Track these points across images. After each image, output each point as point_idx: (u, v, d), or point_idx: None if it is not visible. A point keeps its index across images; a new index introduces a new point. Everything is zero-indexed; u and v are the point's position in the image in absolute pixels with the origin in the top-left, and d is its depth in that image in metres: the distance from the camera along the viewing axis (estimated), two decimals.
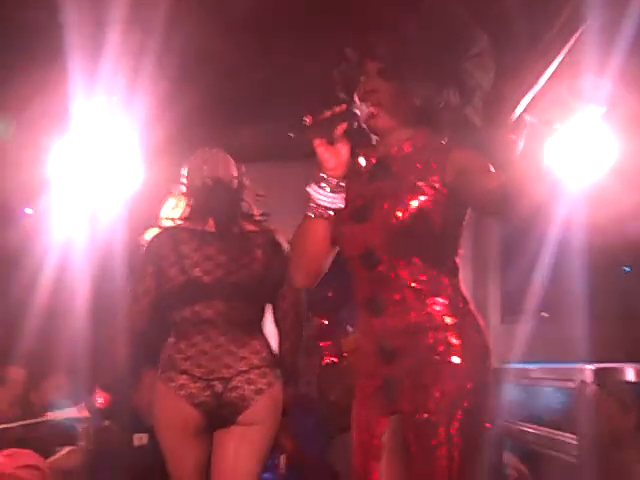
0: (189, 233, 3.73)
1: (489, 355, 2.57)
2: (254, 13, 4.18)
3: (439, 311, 2.52)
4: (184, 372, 3.63)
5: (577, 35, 4.03)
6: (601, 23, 3.83)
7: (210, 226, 3.77)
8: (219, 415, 3.64)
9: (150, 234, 3.79)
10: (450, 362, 2.48)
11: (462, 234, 2.63)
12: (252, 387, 3.61)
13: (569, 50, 4.15)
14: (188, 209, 3.79)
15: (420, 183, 2.53)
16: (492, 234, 6.46)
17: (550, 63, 4.42)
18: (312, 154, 2.53)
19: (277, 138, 2.47)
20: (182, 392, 3.61)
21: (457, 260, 2.63)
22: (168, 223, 3.80)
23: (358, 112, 2.48)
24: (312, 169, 2.57)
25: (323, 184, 2.54)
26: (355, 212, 2.63)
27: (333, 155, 2.51)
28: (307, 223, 2.61)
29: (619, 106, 4.80)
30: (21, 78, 4.62)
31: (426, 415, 2.46)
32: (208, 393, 3.61)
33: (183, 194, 3.83)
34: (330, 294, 7.75)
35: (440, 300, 2.53)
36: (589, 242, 5.57)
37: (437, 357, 2.49)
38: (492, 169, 2.47)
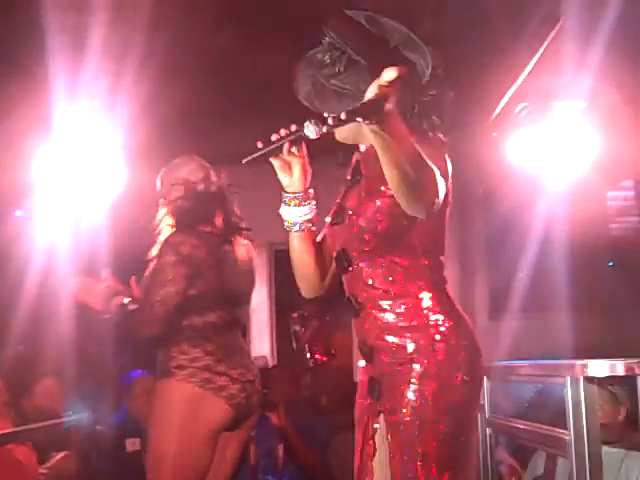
0: (214, 237, 3.76)
1: (477, 353, 2.56)
2: (235, 13, 4.18)
3: (413, 310, 2.52)
4: (222, 374, 3.65)
5: (555, 31, 4.04)
6: (578, 19, 3.85)
7: (219, 231, 3.82)
8: (242, 417, 3.71)
9: (170, 237, 3.72)
10: (432, 361, 2.48)
11: (442, 232, 2.62)
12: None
13: (548, 46, 4.16)
14: (196, 215, 3.80)
15: (382, 184, 2.52)
16: (477, 232, 6.48)
17: (530, 60, 4.43)
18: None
19: (260, 140, 2.47)
20: (223, 393, 3.62)
21: (441, 258, 2.63)
22: (183, 227, 3.78)
23: (307, 132, 2.48)
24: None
25: (285, 200, 2.62)
26: (334, 213, 2.70)
27: (287, 174, 2.57)
28: (289, 240, 2.69)
29: (599, 101, 4.82)
30: (3, 82, 4.61)
31: (400, 415, 2.46)
32: (243, 395, 3.68)
33: (183, 200, 3.81)
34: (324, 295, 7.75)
35: (418, 299, 2.53)
36: (573, 237, 5.60)
37: (418, 356, 2.49)
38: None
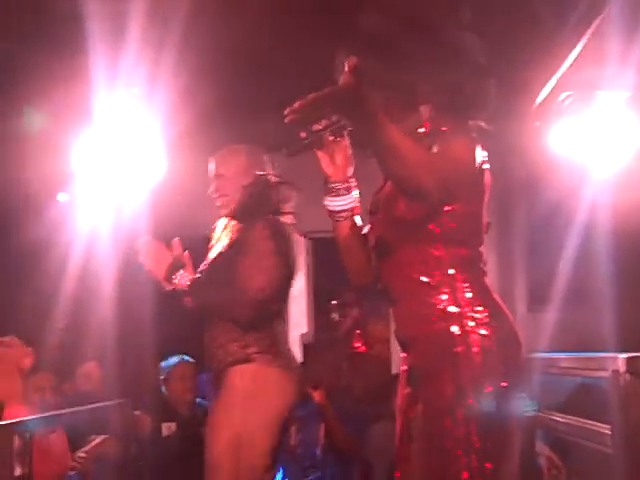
0: (287, 225, 3.77)
1: (517, 345, 2.53)
2: (274, 6, 4.17)
3: (451, 301, 2.50)
4: (291, 359, 3.79)
5: (599, 20, 3.98)
6: (623, 8, 3.79)
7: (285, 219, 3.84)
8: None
9: (261, 224, 3.67)
10: (470, 352, 2.46)
11: (477, 221, 2.59)
12: None
13: (592, 35, 4.11)
14: (268, 202, 3.78)
15: None
16: (518, 221, 6.43)
17: (573, 49, 4.38)
18: None
19: (300, 127, 2.48)
20: (295, 377, 3.70)
21: (480, 248, 2.60)
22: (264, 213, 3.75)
23: (345, 121, 2.50)
24: None
25: (328, 189, 2.65)
26: (372, 204, 2.70)
27: (330, 163, 2.61)
28: (334, 229, 2.72)
29: None
30: (44, 70, 4.64)
31: (438, 405, 2.45)
32: (302, 379, 3.84)
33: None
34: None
35: (453, 290, 2.51)
36: (616, 228, 5.52)
37: (452, 347, 2.47)
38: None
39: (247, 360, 3.61)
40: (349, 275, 2.81)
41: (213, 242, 3.87)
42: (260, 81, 5.07)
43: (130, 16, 4.11)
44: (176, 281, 3.59)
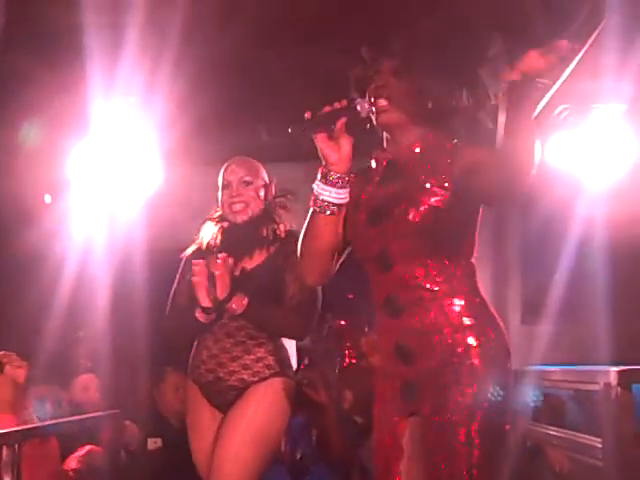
0: None
1: (508, 356, 2.55)
2: (270, 14, 4.18)
3: (456, 311, 2.51)
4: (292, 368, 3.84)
5: (596, 34, 3.99)
6: (620, 21, 3.79)
7: None
8: None
9: None
10: (469, 363, 2.47)
11: (476, 234, 2.61)
12: None
13: (589, 48, 4.11)
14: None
15: (430, 184, 2.52)
16: (512, 233, 6.43)
17: (570, 61, 4.38)
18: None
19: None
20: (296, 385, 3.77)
21: (473, 260, 2.61)
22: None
23: (359, 108, 2.48)
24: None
25: (327, 179, 2.54)
26: (370, 214, 2.64)
27: (334, 150, 2.51)
28: (313, 219, 2.62)
29: (639, 104, 4.77)
30: (41, 80, 4.64)
31: (446, 416, 2.44)
32: None
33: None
34: (351, 295, 7.74)
35: (457, 300, 2.52)
36: (611, 241, 5.53)
37: (456, 358, 2.47)
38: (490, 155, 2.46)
39: (271, 376, 3.62)
40: (309, 271, 2.72)
41: (219, 247, 3.74)
42: (256, 91, 5.08)
43: (127, 26, 4.11)
44: (234, 306, 3.54)
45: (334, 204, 2.57)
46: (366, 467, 5.26)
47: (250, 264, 3.67)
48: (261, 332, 3.63)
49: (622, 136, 5.27)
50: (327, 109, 2.46)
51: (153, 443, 5.26)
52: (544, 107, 4.99)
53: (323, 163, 2.55)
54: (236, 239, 3.72)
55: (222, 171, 3.77)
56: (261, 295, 3.59)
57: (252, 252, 3.69)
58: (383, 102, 2.57)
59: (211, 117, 5.13)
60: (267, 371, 3.61)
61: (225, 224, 3.78)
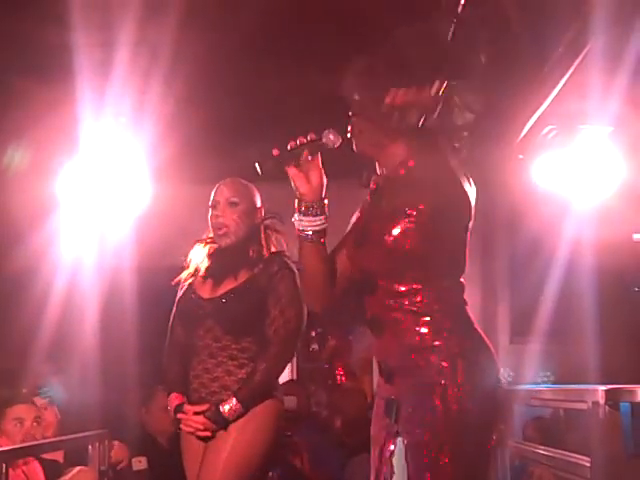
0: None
1: (493, 376, 2.56)
2: (259, 35, 4.20)
3: (435, 332, 2.52)
4: None
5: (583, 55, 4.03)
6: (606, 43, 3.83)
7: None
8: None
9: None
10: (446, 383, 2.48)
11: (463, 253, 2.63)
12: None
13: (575, 70, 4.15)
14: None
15: (407, 206, 2.54)
16: (501, 253, 6.45)
17: (557, 83, 4.42)
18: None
19: (276, 148, 2.50)
20: None
21: (462, 280, 2.63)
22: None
23: (325, 140, 2.52)
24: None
25: (300, 209, 2.59)
26: (355, 236, 2.70)
27: (304, 181, 2.56)
28: (300, 247, 2.65)
29: (625, 126, 4.80)
30: (30, 98, 4.65)
31: (420, 436, 2.45)
32: None
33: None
34: (343, 315, 7.77)
35: (436, 321, 2.53)
36: (598, 262, 5.56)
37: (435, 378, 2.48)
38: None
39: (268, 395, 3.62)
40: (308, 299, 2.79)
41: (202, 272, 3.75)
42: (246, 110, 5.10)
43: (117, 45, 4.13)
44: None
45: (312, 231, 2.59)
46: None
47: (233, 283, 3.67)
48: (243, 353, 3.63)
49: (609, 157, 5.30)
50: (292, 145, 2.50)
51: (138, 462, 5.22)
52: (531, 127, 5.03)
53: (296, 193, 2.60)
54: (222, 261, 3.73)
55: (213, 191, 3.77)
56: (241, 318, 3.61)
57: (237, 272, 3.69)
58: (354, 131, 2.61)
59: (200, 136, 5.15)
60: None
61: (213, 247, 3.78)
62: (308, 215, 2.58)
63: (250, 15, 3.92)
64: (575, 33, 4.02)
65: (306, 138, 2.51)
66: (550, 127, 5.26)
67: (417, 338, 2.52)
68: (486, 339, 2.58)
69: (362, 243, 2.65)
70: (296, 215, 2.60)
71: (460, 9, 3.62)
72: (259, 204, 3.78)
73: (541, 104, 4.78)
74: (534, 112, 4.91)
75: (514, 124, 5.18)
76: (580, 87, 4.33)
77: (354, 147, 2.66)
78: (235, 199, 3.71)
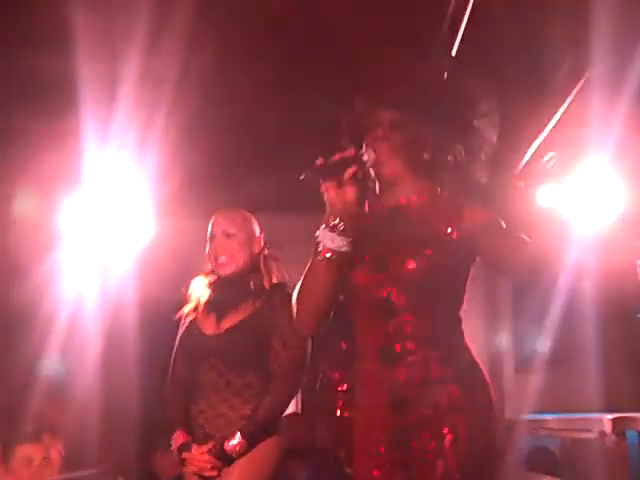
0: None
1: (492, 407, 2.57)
2: (262, 68, 4.23)
3: (445, 363, 2.53)
4: None
5: (582, 83, 4.05)
6: (606, 70, 3.85)
7: None
8: None
9: None
10: (452, 415, 2.48)
11: (466, 286, 2.64)
12: None
13: (575, 98, 4.17)
14: None
15: (431, 235, 2.55)
16: (504, 284, 6.45)
17: (556, 111, 4.45)
18: (321, 205, 2.55)
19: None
20: None
21: (461, 313, 2.64)
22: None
23: (365, 158, 2.51)
24: (321, 220, 2.58)
25: (330, 226, 2.51)
26: (373, 262, 2.64)
27: (341, 198, 2.50)
28: (314, 264, 2.57)
29: (626, 153, 4.82)
30: (33, 130, 4.67)
31: (432, 465, 2.45)
32: None
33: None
34: (344, 345, 7.73)
35: (447, 352, 2.54)
36: (601, 290, 5.56)
37: (442, 408, 2.48)
38: (517, 233, 2.50)
39: (273, 431, 3.57)
40: (305, 319, 2.65)
41: (204, 306, 3.71)
42: (249, 143, 5.12)
43: (121, 79, 4.15)
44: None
45: (337, 251, 2.52)
46: None
47: (236, 318, 3.64)
48: (247, 389, 3.59)
49: (609, 184, 5.31)
50: (337, 157, 2.46)
51: None
52: (532, 155, 5.05)
53: (327, 210, 2.53)
54: (223, 293, 3.70)
55: (210, 223, 3.75)
56: (245, 353, 3.59)
57: (238, 306, 3.66)
58: (382, 156, 2.60)
59: (204, 169, 5.16)
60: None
61: (213, 278, 3.75)
62: (336, 233, 2.50)
63: (254, 48, 3.95)
64: (574, 60, 4.05)
65: (349, 153, 2.47)
66: (551, 154, 5.28)
67: (428, 369, 2.52)
68: (484, 371, 2.60)
69: (383, 270, 2.60)
70: (327, 233, 2.52)
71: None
72: (258, 233, 3.74)
73: (542, 131, 4.80)
74: (535, 139, 4.93)
75: (515, 151, 5.21)
76: (581, 114, 4.35)
77: (380, 169, 2.62)
78: (232, 230, 3.68)
